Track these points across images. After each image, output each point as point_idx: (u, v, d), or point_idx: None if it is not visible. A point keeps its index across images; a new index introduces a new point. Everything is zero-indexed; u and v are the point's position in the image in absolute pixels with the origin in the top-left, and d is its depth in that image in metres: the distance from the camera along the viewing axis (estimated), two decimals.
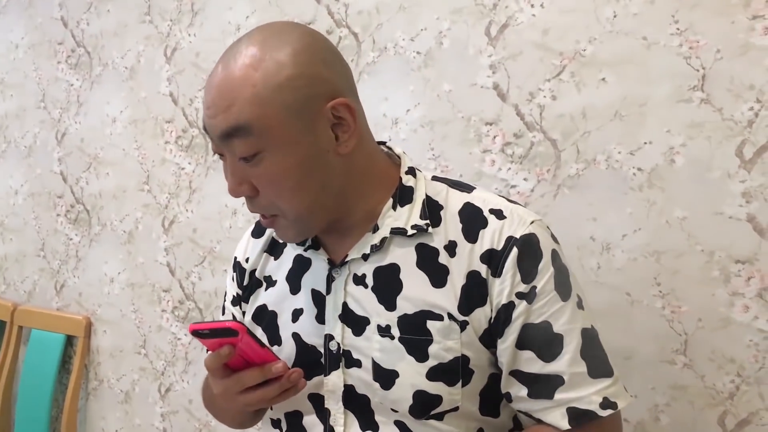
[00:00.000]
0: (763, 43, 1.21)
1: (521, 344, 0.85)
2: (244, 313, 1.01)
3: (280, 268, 0.97)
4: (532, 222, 0.87)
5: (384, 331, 0.86)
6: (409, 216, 0.88)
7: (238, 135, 0.79)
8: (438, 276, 0.86)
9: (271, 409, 0.96)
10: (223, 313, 1.10)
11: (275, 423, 0.96)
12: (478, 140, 1.51)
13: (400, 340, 0.85)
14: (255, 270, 1.01)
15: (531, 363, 0.85)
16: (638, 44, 1.32)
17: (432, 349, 0.84)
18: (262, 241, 1.02)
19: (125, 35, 2.14)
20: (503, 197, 0.94)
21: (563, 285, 0.86)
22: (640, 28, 1.31)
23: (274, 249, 1.00)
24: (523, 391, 0.86)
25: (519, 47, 1.45)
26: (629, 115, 1.33)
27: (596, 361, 0.85)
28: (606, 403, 0.83)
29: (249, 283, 1.01)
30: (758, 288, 1.23)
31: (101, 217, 2.23)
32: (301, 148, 0.81)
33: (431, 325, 0.84)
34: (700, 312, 1.28)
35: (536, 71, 1.43)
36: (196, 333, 0.77)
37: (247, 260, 1.02)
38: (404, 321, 0.85)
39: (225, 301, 1.08)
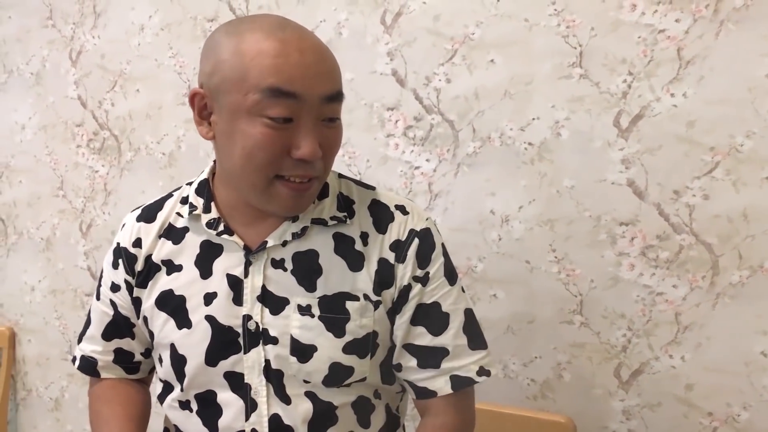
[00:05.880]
0: (632, 19, 1.30)
1: (415, 321, 0.96)
2: (137, 299, 1.01)
3: (183, 253, 0.98)
4: (427, 219, 1.00)
5: (304, 310, 0.93)
6: (327, 208, 0.97)
7: (339, 98, 0.88)
8: (355, 261, 0.95)
9: (182, 390, 0.98)
10: (99, 299, 1.05)
11: (184, 404, 0.99)
12: (381, 125, 1.57)
13: (320, 318, 0.92)
14: (151, 254, 1.00)
15: (422, 337, 0.96)
16: (521, 26, 1.40)
17: (349, 326, 0.93)
18: (155, 226, 1.01)
19: (29, 41, 2.11)
20: (398, 196, 1.05)
21: (451, 272, 0.99)
22: (521, 11, 1.39)
23: (170, 233, 1.00)
24: (413, 362, 0.97)
25: (413, 34, 1.51)
26: (517, 93, 1.41)
27: (474, 336, 0.98)
28: (481, 371, 0.97)
29: (144, 268, 1.00)
30: (641, 247, 1.32)
31: (17, 226, 2.20)
32: None
33: (350, 305, 0.93)
34: (591, 273, 1.37)
35: (430, 56, 1.50)
36: None
37: (137, 245, 1.01)
38: (324, 301, 0.93)
39: (101, 286, 1.06)
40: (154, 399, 1.07)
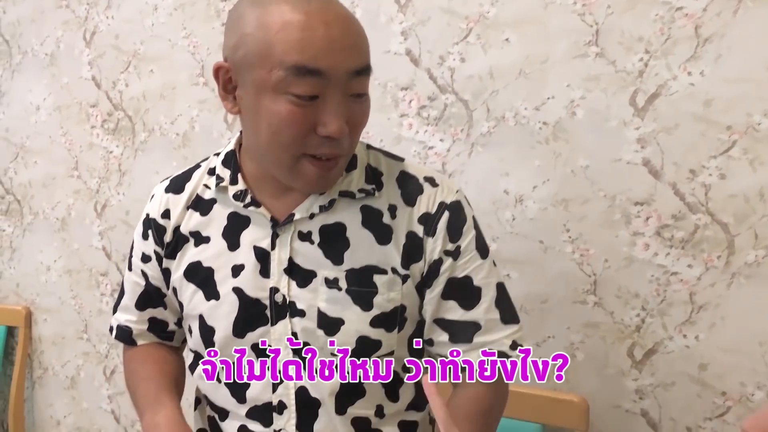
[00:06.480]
0: None
1: (446, 295, 0.95)
2: (166, 270, 1.01)
3: (210, 224, 0.98)
4: (457, 191, 0.98)
5: (332, 283, 0.92)
6: (355, 181, 0.95)
7: (367, 72, 0.85)
8: (383, 234, 0.94)
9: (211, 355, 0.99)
10: (131, 269, 1.06)
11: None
12: (395, 105, 1.57)
13: (347, 291, 0.92)
14: (179, 226, 0.99)
15: (453, 311, 0.95)
16: (536, 4, 1.39)
17: (377, 299, 0.92)
18: (183, 197, 1.00)
19: (43, 21, 2.12)
20: (427, 167, 1.03)
21: (482, 245, 0.97)
22: None
23: (199, 205, 0.99)
24: (445, 336, 0.96)
25: (427, 13, 1.50)
26: (532, 72, 1.41)
27: (507, 310, 0.97)
28: (514, 346, 0.95)
29: (173, 239, 1.00)
30: (656, 227, 1.32)
31: (33, 207, 2.22)
32: None
33: (377, 278, 0.92)
34: (605, 253, 1.37)
35: (445, 35, 1.49)
36: None
37: (166, 215, 1.00)
38: (352, 274, 0.92)
39: (132, 257, 1.06)
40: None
